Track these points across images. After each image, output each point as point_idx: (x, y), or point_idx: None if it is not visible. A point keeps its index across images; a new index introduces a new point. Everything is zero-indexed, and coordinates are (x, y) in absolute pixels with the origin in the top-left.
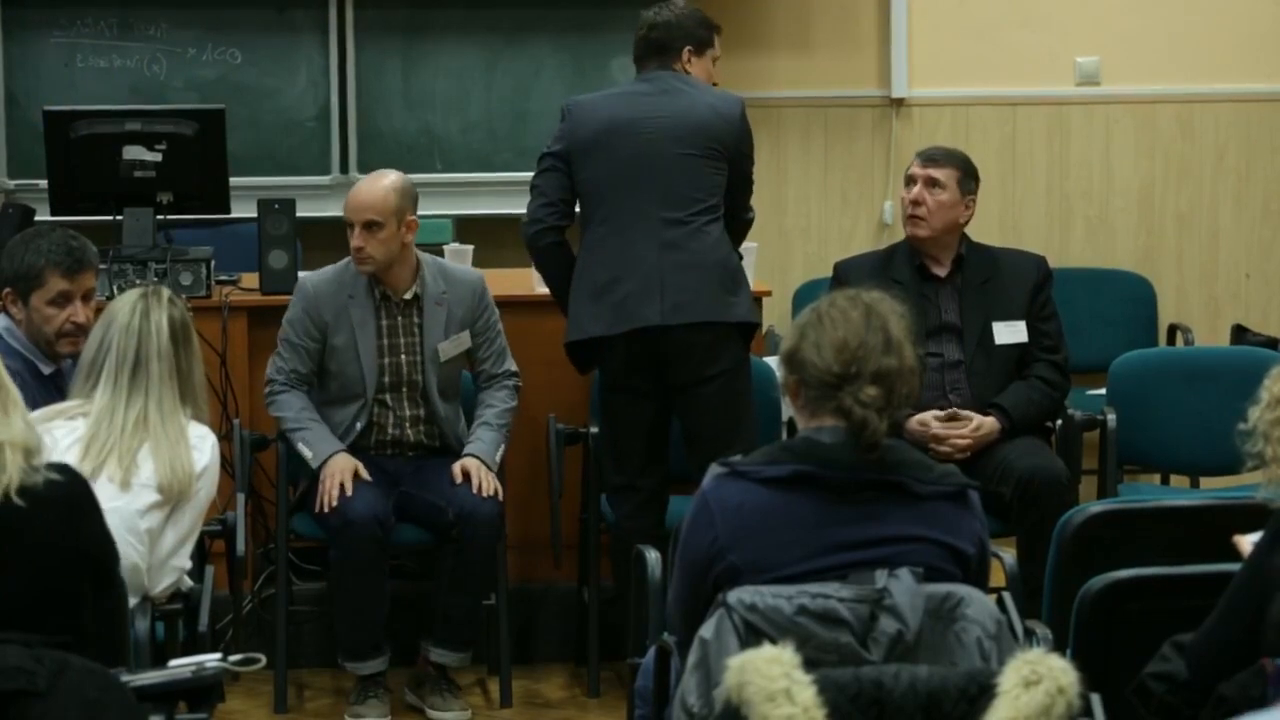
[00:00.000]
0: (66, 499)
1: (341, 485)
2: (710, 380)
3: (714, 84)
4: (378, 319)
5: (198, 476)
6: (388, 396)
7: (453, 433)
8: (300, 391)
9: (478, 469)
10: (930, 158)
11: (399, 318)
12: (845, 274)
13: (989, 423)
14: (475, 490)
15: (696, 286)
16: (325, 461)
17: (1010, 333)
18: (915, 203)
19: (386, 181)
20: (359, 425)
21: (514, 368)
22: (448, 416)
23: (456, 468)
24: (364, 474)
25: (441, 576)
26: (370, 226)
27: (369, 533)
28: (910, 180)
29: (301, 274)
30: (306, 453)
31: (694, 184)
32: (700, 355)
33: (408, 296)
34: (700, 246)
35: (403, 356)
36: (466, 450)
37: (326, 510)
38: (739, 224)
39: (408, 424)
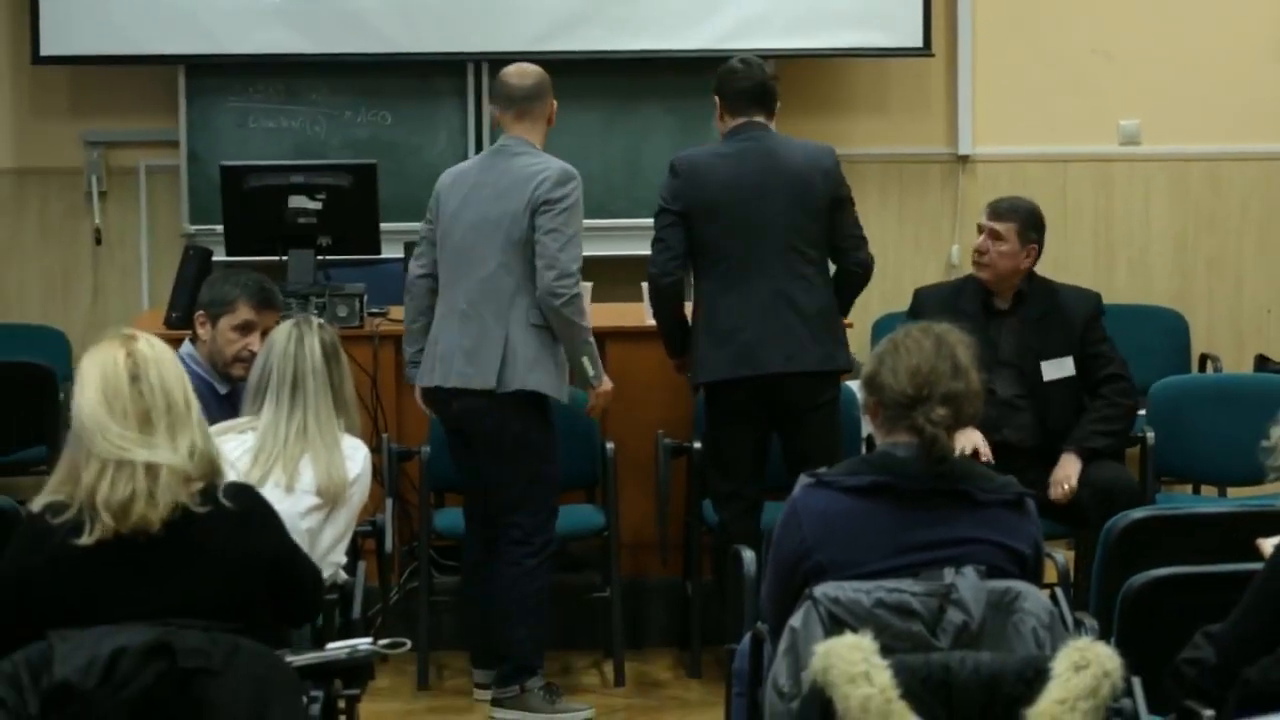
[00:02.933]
0: (241, 516)
1: None
2: (816, 409)
3: None
4: None
5: (351, 483)
6: None
7: None
8: None
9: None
10: (995, 211)
11: None
12: (922, 299)
13: (1071, 473)
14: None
15: (807, 337)
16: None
17: (1057, 369)
18: (980, 251)
19: None
20: None
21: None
22: None
23: None
24: None
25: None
26: None
27: None
28: (979, 229)
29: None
30: (589, 370)
31: (805, 240)
32: (810, 393)
33: None
34: (809, 300)
35: None
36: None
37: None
38: (848, 271)
39: None
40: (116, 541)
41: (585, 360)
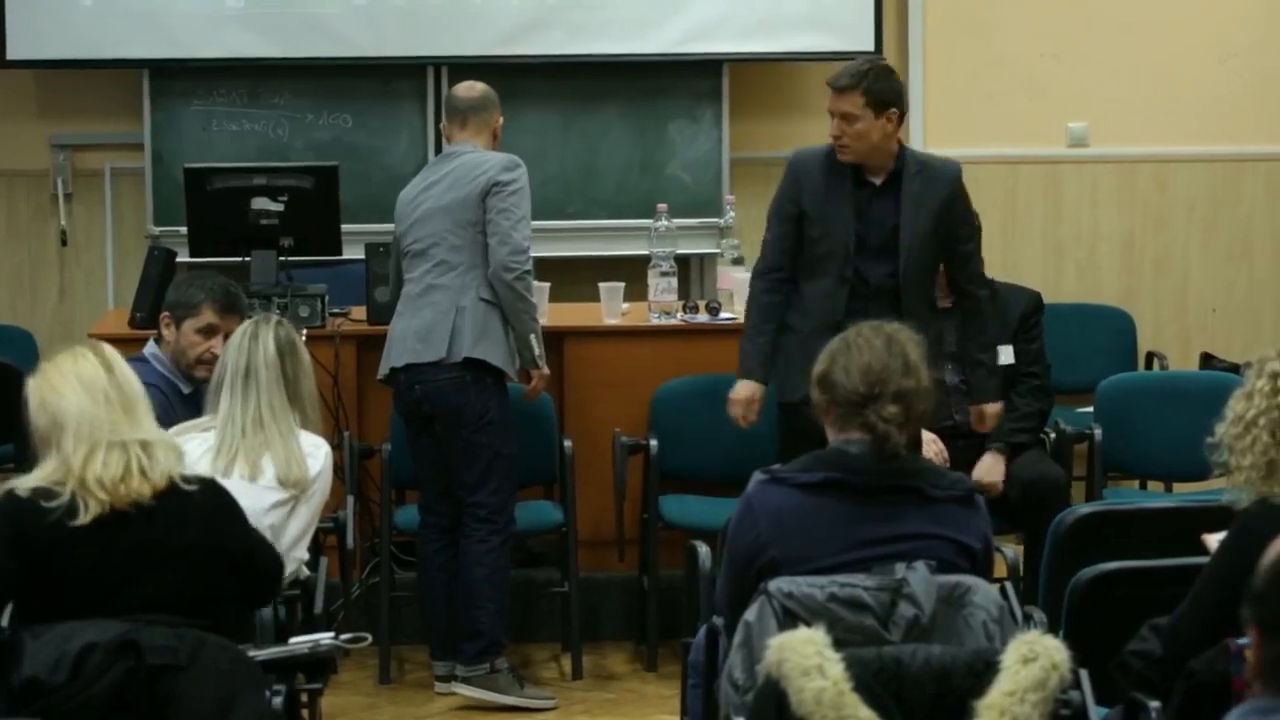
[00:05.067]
0: (206, 507)
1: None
2: None
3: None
4: None
5: (313, 479)
6: None
7: None
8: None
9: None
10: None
11: None
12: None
13: (997, 473)
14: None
15: None
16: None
17: (1002, 355)
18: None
19: None
20: None
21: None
22: None
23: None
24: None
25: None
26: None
27: None
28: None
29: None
30: (536, 348)
31: None
32: None
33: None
34: None
35: None
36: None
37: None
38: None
39: None
40: (101, 530)
41: (533, 337)
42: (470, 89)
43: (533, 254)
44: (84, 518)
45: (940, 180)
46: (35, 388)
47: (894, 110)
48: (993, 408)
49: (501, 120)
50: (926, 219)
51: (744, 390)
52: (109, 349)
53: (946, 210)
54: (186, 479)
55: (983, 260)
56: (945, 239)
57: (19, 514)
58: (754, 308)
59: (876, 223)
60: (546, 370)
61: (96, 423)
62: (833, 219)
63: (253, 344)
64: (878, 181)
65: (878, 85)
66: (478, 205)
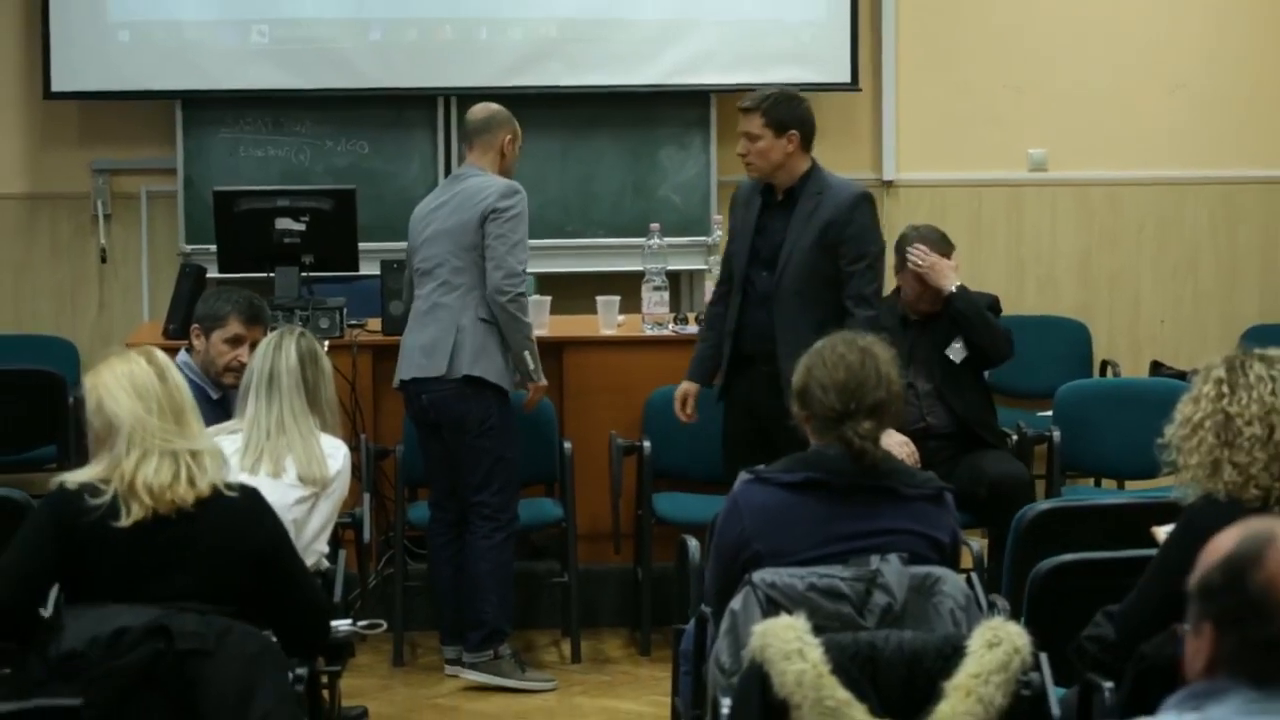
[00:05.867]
0: (243, 510)
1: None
2: None
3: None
4: None
5: (332, 478)
6: None
7: None
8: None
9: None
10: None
11: None
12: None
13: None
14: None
15: None
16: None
17: (958, 351)
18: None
19: None
20: None
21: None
22: None
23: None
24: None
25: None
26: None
27: None
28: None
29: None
30: (530, 364)
31: None
32: None
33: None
34: None
35: None
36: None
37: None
38: None
39: None
40: (140, 530)
41: (527, 354)
42: (479, 110)
43: (535, 270)
44: (125, 520)
45: (833, 201)
46: (92, 389)
47: (794, 132)
48: None
49: (511, 138)
50: (810, 235)
51: (680, 388)
52: (161, 356)
53: (832, 228)
54: (230, 486)
55: (874, 285)
56: (831, 256)
57: (63, 505)
58: (704, 316)
59: (769, 236)
60: (543, 383)
61: (149, 430)
62: (738, 233)
63: (276, 353)
64: (780, 197)
65: (777, 109)
66: (477, 230)
